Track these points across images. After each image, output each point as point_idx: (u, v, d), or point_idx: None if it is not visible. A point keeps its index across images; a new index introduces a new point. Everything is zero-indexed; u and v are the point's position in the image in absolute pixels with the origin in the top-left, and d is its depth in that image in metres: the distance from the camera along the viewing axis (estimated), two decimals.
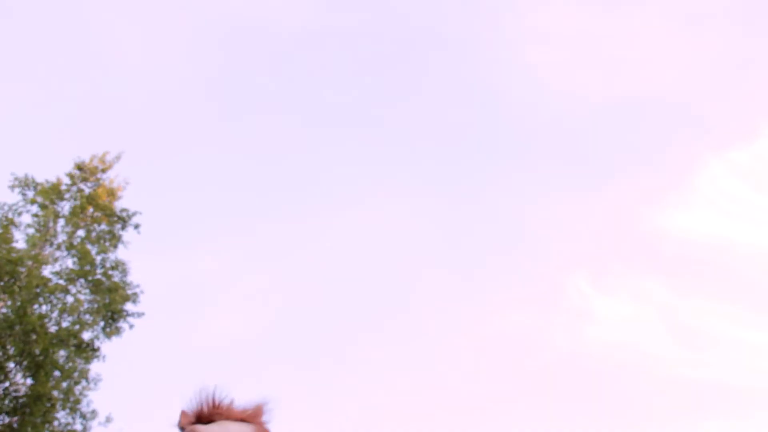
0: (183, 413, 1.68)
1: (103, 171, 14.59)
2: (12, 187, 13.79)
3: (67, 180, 14.24)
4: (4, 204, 13.44)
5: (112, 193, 14.47)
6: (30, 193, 13.82)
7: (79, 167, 14.41)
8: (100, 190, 14.26)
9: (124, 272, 14.09)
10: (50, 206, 13.74)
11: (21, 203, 13.71)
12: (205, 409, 1.67)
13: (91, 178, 14.36)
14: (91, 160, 14.61)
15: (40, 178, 14.03)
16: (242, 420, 1.68)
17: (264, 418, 1.72)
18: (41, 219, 13.70)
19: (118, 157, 14.87)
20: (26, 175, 13.93)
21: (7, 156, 23.22)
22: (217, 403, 1.68)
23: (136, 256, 15.16)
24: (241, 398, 1.74)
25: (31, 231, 13.62)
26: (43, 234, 13.52)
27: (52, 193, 13.83)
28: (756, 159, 25.76)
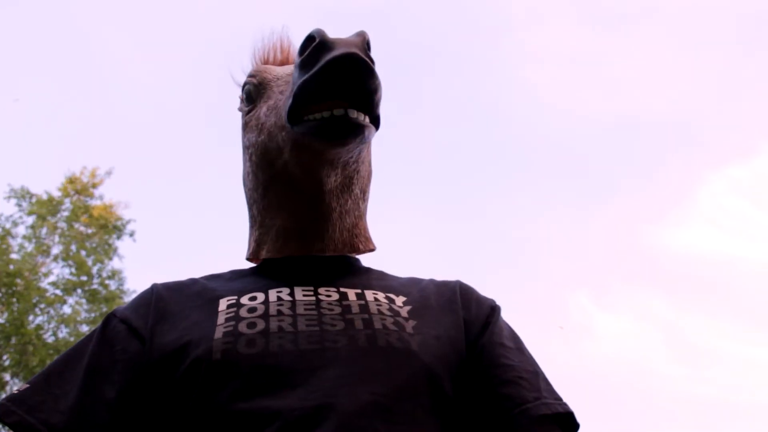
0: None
1: (94, 186, 14.59)
2: (8, 198, 13.73)
3: (58, 193, 14.26)
4: (1, 215, 13.46)
5: (105, 207, 14.47)
6: (25, 204, 13.79)
7: (71, 181, 14.45)
8: (92, 203, 14.29)
9: (121, 281, 14.08)
10: (48, 218, 13.76)
11: (17, 214, 13.70)
12: (273, 55, 1.21)
13: (83, 193, 14.37)
14: (82, 173, 14.66)
15: (37, 190, 14.06)
16: None
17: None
18: (37, 230, 13.72)
19: (108, 172, 14.88)
20: (22, 187, 13.88)
21: (6, 167, 23.26)
22: (288, 46, 1.21)
23: (132, 272, 15.13)
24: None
25: (27, 242, 13.65)
26: (39, 245, 13.56)
27: (47, 205, 13.85)
28: (756, 175, 25.79)
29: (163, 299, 1.04)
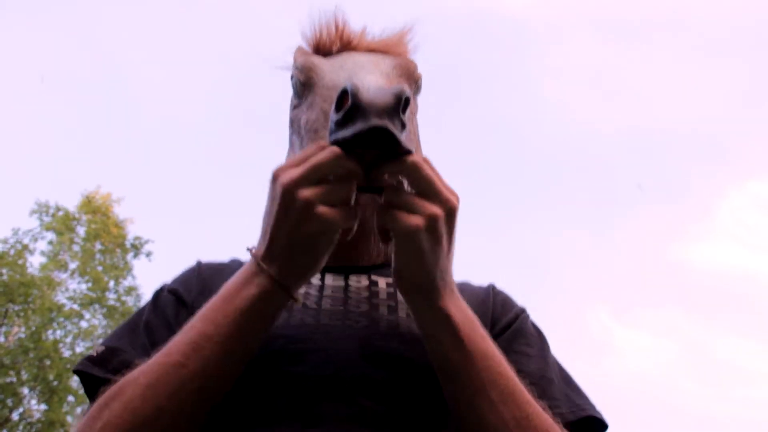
0: (298, 48, 1.18)
1: (107, 210, 14.72)
2: (32, 213, 13.95)
3: (74, 212, 14.40)
4: (19, 229, 13.62)
5: (118, 225, 14.60)
6: (47, 219, 13.98)
7: (89, 200, 14.60)
8: (108, 222, 14.46)
9: (137, 298, 14.14)
10: (66, 233, 13.90)
11: (37, 230, 13.87)
12: (325, 36, 1.17)
13: (98, 212, 14.53)
14: (97, 193, 14.82)
15: (60, 206, 14.24)
16: (375, 51, 1.15)
17: (408, 48, 1.19)
18: (55, 246, 13.87)
19: (118, 201, 15.01)
20: (46, 202, 14.10)
21: (33, 184, 23.60)
22: (342, 27, 1.17)
23: (148, 290, 15.22)
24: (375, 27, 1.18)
25: (45, 257, 13.79)
26: (56, 261, 13.67)
27: (66, 220, 14.04)
28: None
29: (204, 276, 1.10)
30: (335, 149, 0.83)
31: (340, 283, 1.04)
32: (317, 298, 1.00)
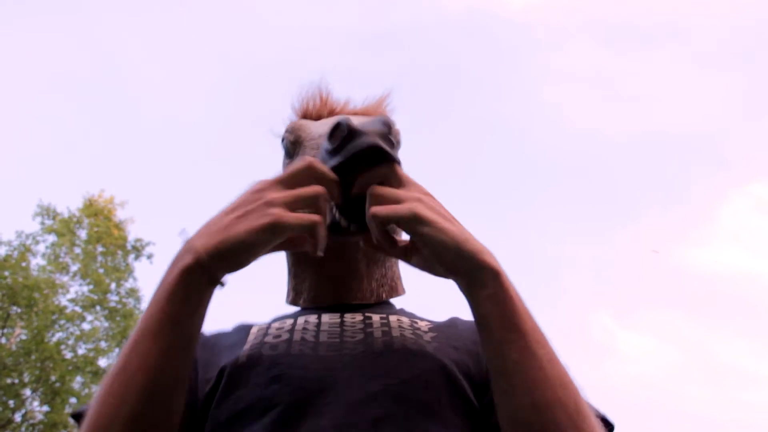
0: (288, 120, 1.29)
1: (109, 213, 14.79)
2: (35, 215, 14.10)
3: (76, 213, 14.48)
4: (22, 232, 13.75)
5: (120, 227, 14.67)
6: (49, 222, 14.12)
7: (90, 203, 14.69)
8: (110, 224, 14.57)
9: (138, 300, 14.22)
10: (67, 235, 13.97)
11: (39, 232, 14.01)
12: (311, 106, 1.28)
13: (100, 215, 14.59)
14: (100, 196, 14.95)
15: (60, 208, 14.35)
16: (358, 114, 1.26)
17: (386, 110, 1.30)
18: (56, 248, 13.97)
19: (122, 204, 15.18)
20: (48, 204, 14.24)
21: (34, 185, 23.62)
22: (326, 97, 1.28)
23: (153, 287, 15.15)
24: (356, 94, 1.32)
25: (46, 259, 13.88)
26: (57, 263, 13.72)
27: (68, 223, 14.15)
28: None
29: (208, 336, 1.12)
30: (310, 159, 0.86)
31: (336, 319, 1.08)
32: (315, 333, 1.04)
